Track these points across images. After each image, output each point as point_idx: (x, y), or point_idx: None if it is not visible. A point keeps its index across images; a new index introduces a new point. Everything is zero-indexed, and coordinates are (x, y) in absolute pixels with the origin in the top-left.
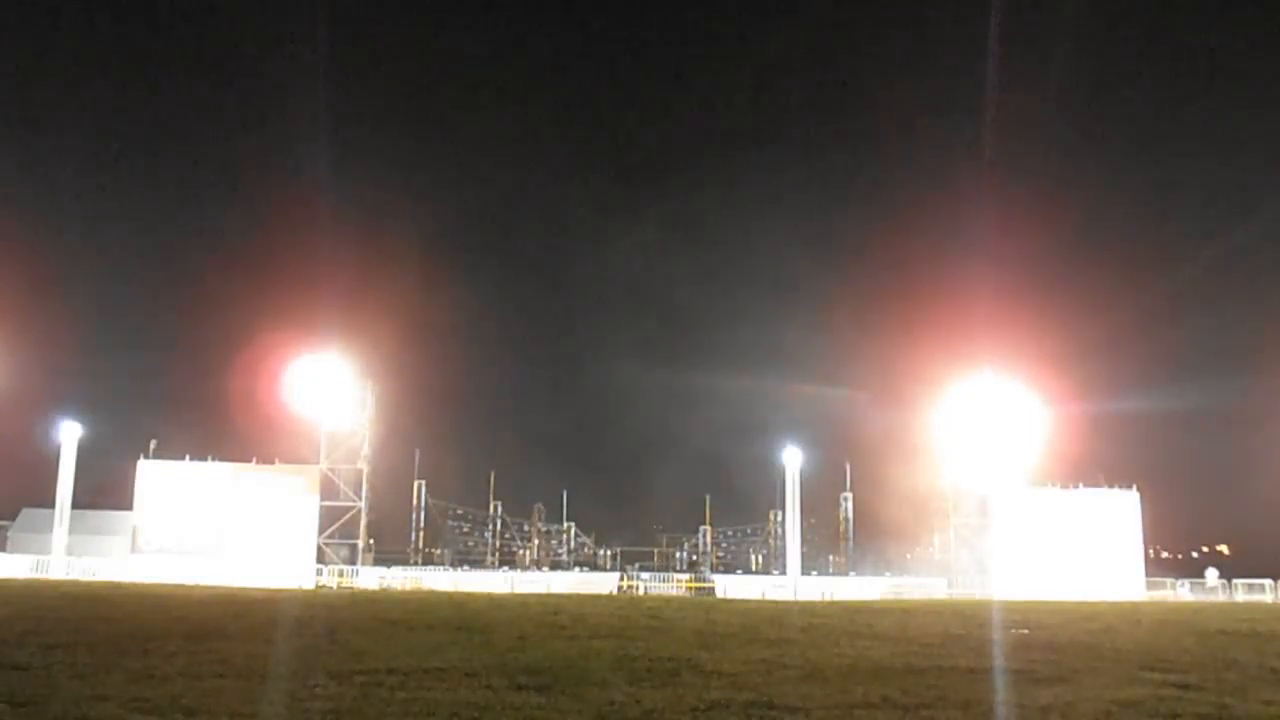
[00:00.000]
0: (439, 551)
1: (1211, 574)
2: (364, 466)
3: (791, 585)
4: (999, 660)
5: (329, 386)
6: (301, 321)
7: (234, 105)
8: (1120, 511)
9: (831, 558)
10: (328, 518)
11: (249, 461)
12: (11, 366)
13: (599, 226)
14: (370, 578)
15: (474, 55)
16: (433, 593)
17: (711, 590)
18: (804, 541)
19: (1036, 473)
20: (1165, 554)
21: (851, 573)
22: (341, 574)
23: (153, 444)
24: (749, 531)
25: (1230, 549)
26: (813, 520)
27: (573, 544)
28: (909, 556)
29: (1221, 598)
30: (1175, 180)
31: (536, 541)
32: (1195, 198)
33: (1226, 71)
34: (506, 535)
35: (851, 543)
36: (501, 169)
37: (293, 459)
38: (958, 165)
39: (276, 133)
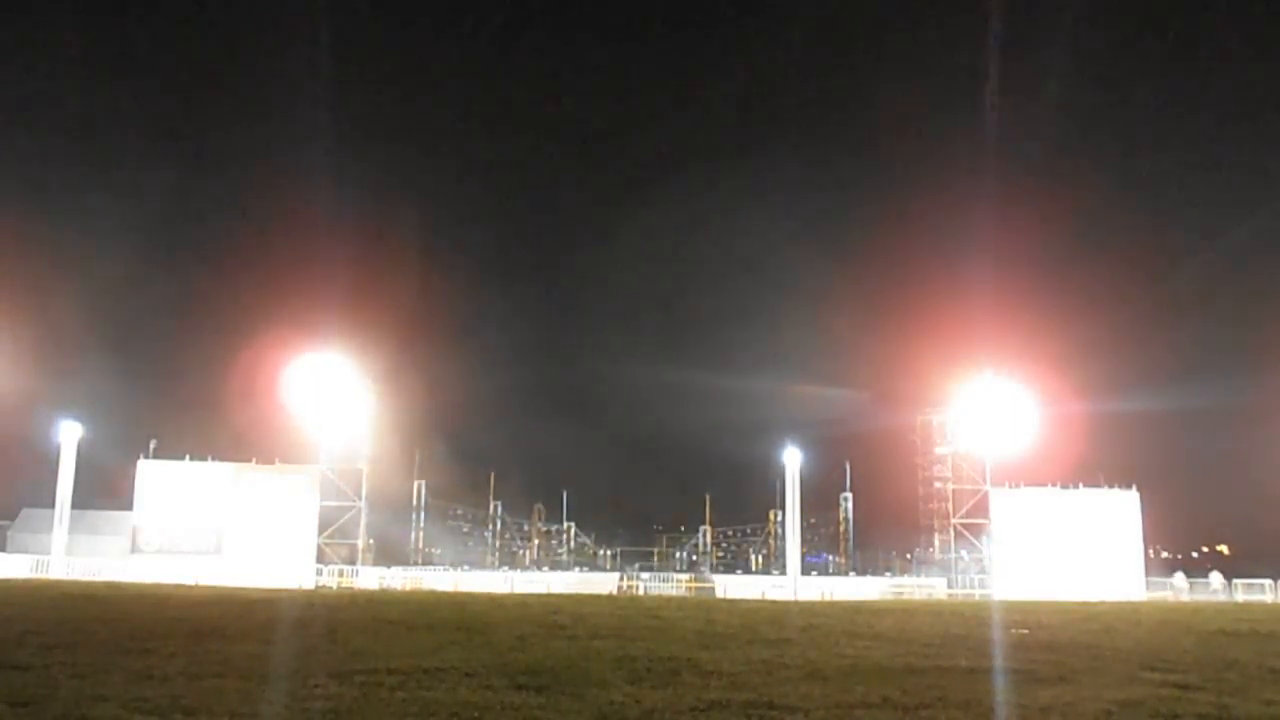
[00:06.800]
0: (439, 551)
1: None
2: (364, 466)
3: (791, 585)
4: (999, 660)
5: (329, 386)
6: (301, 321)
7: (234, 105)
8: (1120, 511)
9: (831, 558)
10: (328, 518)
11: (249, 461)
12: (11, 366)
13: (599, 227)
14: (370, 578)
15: (474, 56)
16: (433, 593)
17: (711, 590)
18: (804, 541)
19: (1036, 473)
20: (1165, 554)
21: (851, 573)
22: (341, 574)
23: (153, 444)
24: (749, 531)
25: (1230, 549)
26: (813, 520)
27: (573, 544)
28: (909, 556)
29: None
30: (1175, 180)
31: (536, 541)
32: (1195, 198)
33: (1226, 71)
34: (506, 535)
35: (851, 543)
36: (502, 169)
37: (293, 459)
38: (958, 165)
39: (276, 133)
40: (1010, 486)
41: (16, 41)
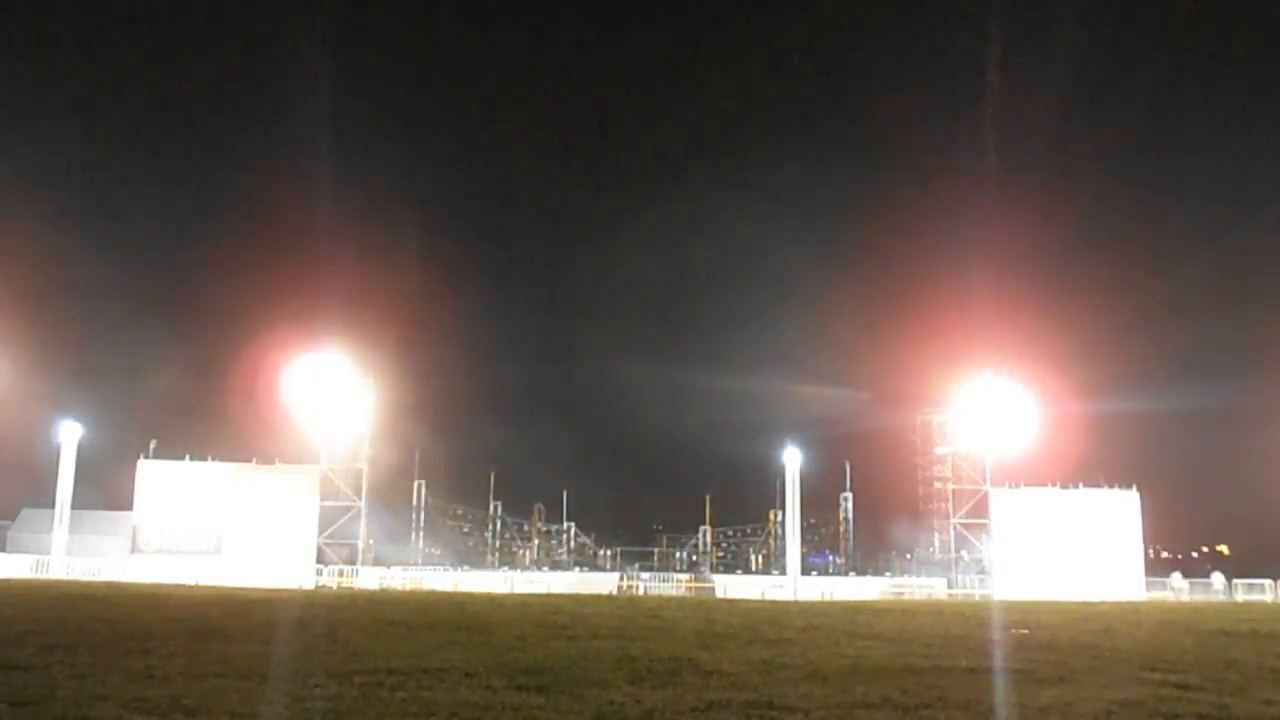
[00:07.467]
0: (439, 551)
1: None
2: (364, 466)
3: (791, 585)
4: (999, 660)
5: (329, 386)
6: (301, 321)
7: (233, 105)
8: (1120, 511)
9: (832, 557)
10: (328, 518)
11: (249, 461)
12: (11, 366)
13: (599, 227)
14: (370, 578)
15: (474, 55)
16: (433, 593)
17: (711, 590)
18: (804, 541)
19: (1036, 473)
20: (1165, 554)
21: (851, 573)
22: (341, 574)
23: (153, 444)
24: (749, 531)
25: (1230, 549)
26: (813, 520)
27: (573, 544)
28: (909, 556)
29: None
30: (1175, 180)
31: (536, 541)
32: (1195, 198)
33: (1226, 71)
34: (506, 535)
35: (851, 543)
36: (502, 169)
37: (293, 459)
38: (958, 165)
39: (276, 132)
40: (1010, 486)
41: (16, 42)
